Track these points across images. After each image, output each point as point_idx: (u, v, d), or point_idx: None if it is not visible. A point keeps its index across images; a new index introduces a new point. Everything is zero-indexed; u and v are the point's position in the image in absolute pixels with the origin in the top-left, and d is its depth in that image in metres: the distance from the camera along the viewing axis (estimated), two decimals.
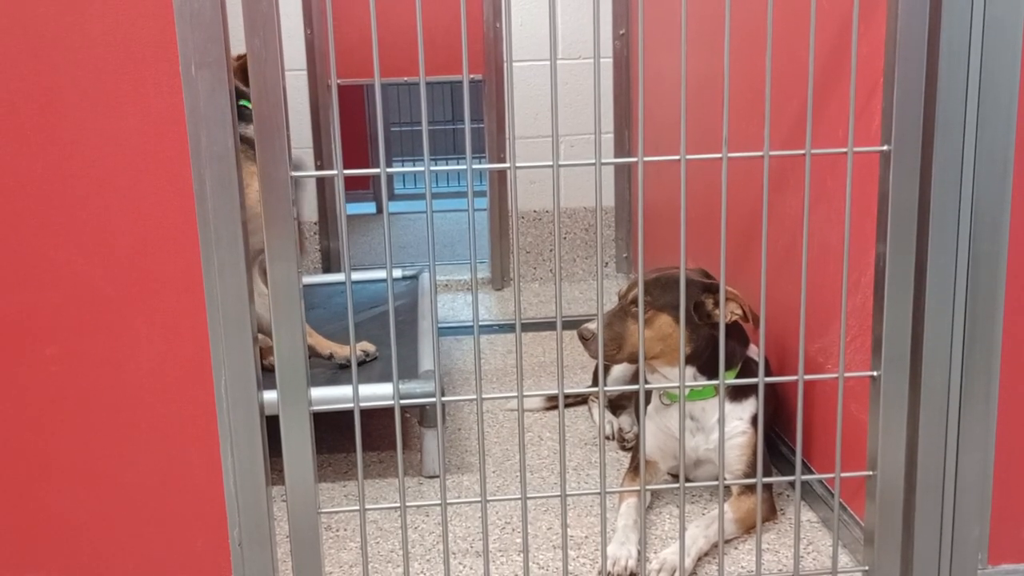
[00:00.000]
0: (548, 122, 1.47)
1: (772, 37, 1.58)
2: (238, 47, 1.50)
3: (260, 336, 1.68)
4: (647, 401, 2.30)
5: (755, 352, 2.17)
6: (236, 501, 1.68)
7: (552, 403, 2.87)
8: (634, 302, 2.17)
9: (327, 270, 4.17)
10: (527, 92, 3.94)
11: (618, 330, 2.18)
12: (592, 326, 2.18)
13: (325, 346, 2.57)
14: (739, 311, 2.10)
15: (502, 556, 2.10)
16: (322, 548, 1.75)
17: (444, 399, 1.73)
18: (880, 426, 1.73)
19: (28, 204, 1.59)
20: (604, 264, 4.15)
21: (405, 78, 3.89)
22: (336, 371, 2.54)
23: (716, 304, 2.13)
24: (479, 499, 1.74)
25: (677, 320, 2.13)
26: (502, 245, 4.15)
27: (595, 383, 2.83)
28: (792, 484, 1.96)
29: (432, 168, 1.58)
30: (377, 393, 2.30)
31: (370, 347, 2.62)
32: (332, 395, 2.31)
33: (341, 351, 2.55)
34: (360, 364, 2.57)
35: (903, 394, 1.72)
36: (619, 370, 2.69)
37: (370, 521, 2.25)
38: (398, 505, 1.73)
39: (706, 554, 2.03)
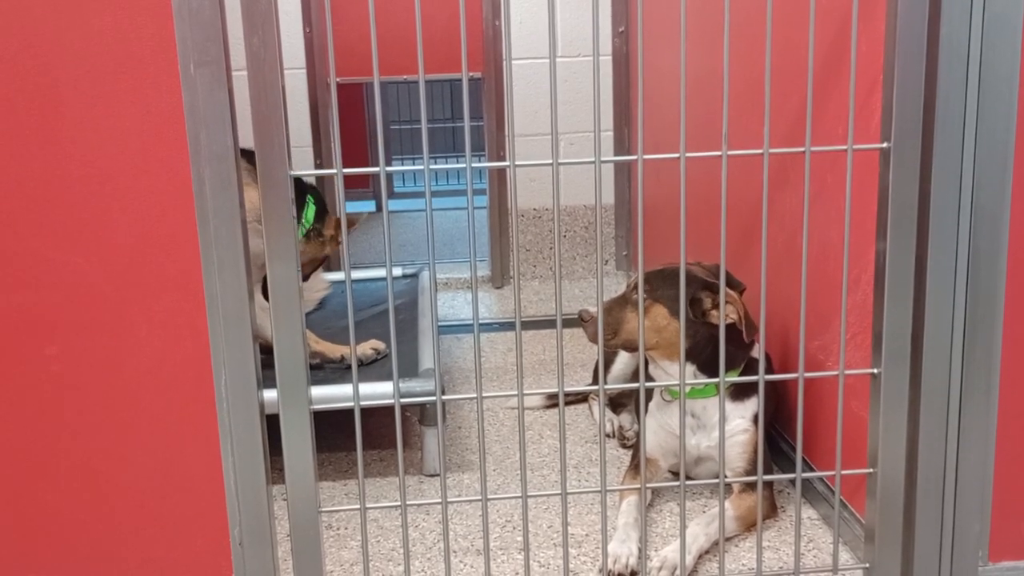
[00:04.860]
0: (547, 120, 1.47)
1: (772, 34, 1.58)
2: (237, 46, 1.50)
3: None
4: (648, 399, 2.30)
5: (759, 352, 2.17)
6: (236, 500, 1.68)
7: (552, 401, 2.87)
8: (636, 290, 2.18)
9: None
10: (526, 90, 3.94)
11: (616, 316, 2.22)
12: (593, 309, 2.23)
13: (335, 350, 2.58)
14: (734, 315, 2.09)
15: (503, 554, 2.10)
16: (323, 547, 1.75)
17: (444, 398, 1.73)
18: (880, 423, 1.73)
19: (27, 204, 1.59)
20: (604, 262, 4.15)
21: (404, 76, 3.88)
22: (345, 371, 2.54)
23: (714, 304, 2.13)
24: (480, 497, 1.74)
25: (672, 313, 2.14)
26: (502, 243, 4.15)
27: (595, 381, 2.83)
28: (793, 481, 1.96)
29: (432, 166, 1.58)
30: (377, 392, 2.30)
31: (380, 345, 2.62)
32: (332, 394, 2.31)
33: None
34: (372, 362, 2.59)
35: (903, 391, 1.72)
36: (620, 368, 2.69)
37: (371, 520, 2.25)
38: (399, 504, 1.73)
39: (707, 552, 2.03)
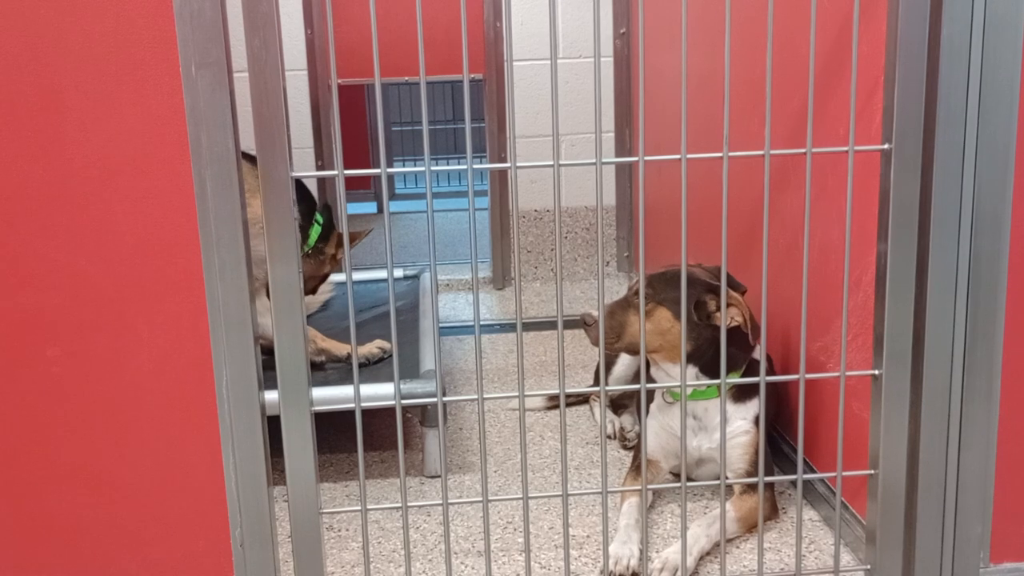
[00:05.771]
0: (549, 121, 1.47)
1: (773, 35, 1.58)
2: (238, 47, 1.50)
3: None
4: (649, 400, 2.30)
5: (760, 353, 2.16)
6: (237, 501, 1.68)
7: (553, 402, 2.87)
8: (638, 294, 2.18)
9: None
10: (527, 91, 3.94)
11: (619, 319, 2.21)
12: (595, 313, 2.21)
13: (341, 348, 2.58)
14: (739, 318, 2.09)
15: (504, 556, 2.10)
16: (324, 548, 1.75)
17: (445, 399, 1.73)
18: (881, 425, 1.73)
19: (29, 205, 1.59)
20: (605, 263, 4.15)
21: (405, 78, 3.88)
22: (347, 371, 2.54)
23: (719, 306, 2.13)
24: (481, 499, 1.74)
25: (675, 315, 2.14)
26: (503, 244, 4.15)
27: (596, 382, 2.83)
28: (794, 483, 1.96)
29: (433, 168, 1.58)
30: (378, 393, 2.30)
31: (386, 344, 2.62)
32: (333, 395, 2.31)
33: (358, 350, 2.55)
34: (379, 361, 2.60)
35: (904, 392, 1.72)
36: (621, 369, 2.69)
37: (372, 521, 2.25)
38: (400, 505, 1.73)
39: (708, 553, 2.03)
